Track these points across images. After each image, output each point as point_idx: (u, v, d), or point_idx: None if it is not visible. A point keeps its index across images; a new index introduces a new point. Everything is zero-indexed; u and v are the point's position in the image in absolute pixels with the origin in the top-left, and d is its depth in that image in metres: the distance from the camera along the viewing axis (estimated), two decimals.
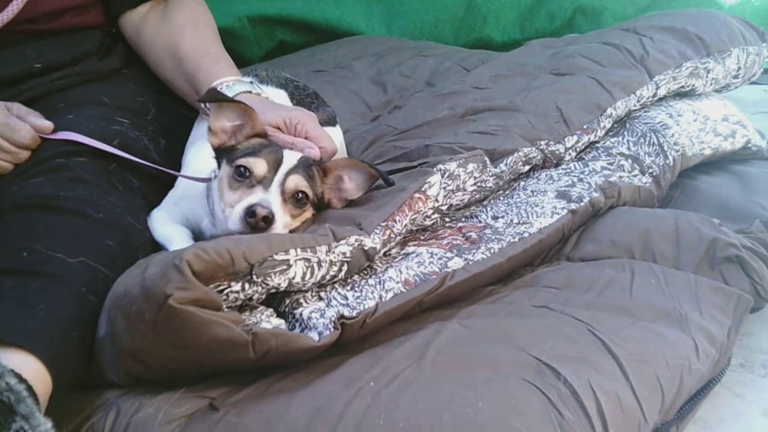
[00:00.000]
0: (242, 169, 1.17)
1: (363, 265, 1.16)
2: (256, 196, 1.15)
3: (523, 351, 1.02)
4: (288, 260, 1.05)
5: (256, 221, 1.11)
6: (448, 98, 1.74)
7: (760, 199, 1.48)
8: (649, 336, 1.08)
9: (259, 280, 1.02)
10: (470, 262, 1.18)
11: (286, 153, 1.21)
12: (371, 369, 0.99)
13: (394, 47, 2.48)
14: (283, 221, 1.16)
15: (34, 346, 0.95)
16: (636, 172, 1.49)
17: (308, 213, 1.24)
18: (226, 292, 1.01)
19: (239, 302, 1.06)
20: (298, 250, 1.06)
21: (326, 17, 2.89)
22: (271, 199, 1.15)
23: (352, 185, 1.28)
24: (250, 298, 1.06)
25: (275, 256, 1.03)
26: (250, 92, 1.38)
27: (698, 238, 1.28)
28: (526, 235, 1.26)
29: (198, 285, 0.94)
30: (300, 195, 1.19)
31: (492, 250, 1.22)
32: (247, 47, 2.82)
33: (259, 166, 1.17)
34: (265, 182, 1.17)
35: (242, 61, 2.73)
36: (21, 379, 0.89)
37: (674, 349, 1.07)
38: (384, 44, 2.56)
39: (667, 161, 1.52)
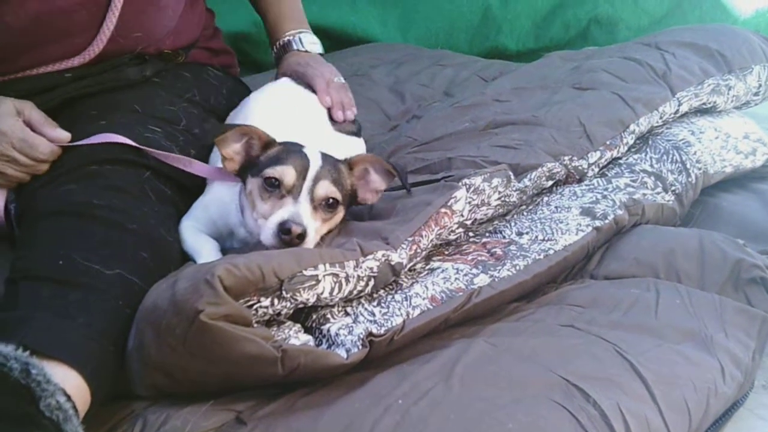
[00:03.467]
0: (273, 180, 1.17)
1: (389, 280, 1.16)
2: (287, 210, 1.15)
3: (551, 371, 1.02)
4: (317, 275, 1.05)
5: (291, 238, 1.11)
6: (469, 110, 1.73)
7: None
8: (676, 358, 1.08)
9: (289, 295, 1.02)
10: (496, 279, 1.19)
11: (310, 154, 1.22)
12: (399, 386, 0.99)
13: (411, 55, 2.48)
14: (314, 230, 1.16)
15: (76, 361, 0.96)
16: (659, 189, 1.48)
17: (340, 214, 1.24)
18: (255, 307, 1.02)
19: (267, 317, 1.06)
20: (327, 265, 1.06)
21: (342, 24, 2.89)
22: (301, 211, 1.15)
23: (377, 178, 1.29)
24: (279, 314, 1.06)
25: (305, 272, 1.03)
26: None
27: (723, 258, 1.28)
28: (551, 252, 1.26)
29: (229, 300, 0.94)
30: (330, 200, 1.20)
31: (518, 267, 1.22)
32: (262, 52, 2.81)
33: (288, 174, 1.18)
34: (294, 192, 1.17)
35: (258, 66, 2.74)
36: (69, 398, 0.89)
37: (701, 371, 1.07)
38: (401, 52, 2.56)
39: (690, 179, 1.52)
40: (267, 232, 1.13)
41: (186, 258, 1.26)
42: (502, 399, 0.97)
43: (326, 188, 1.19)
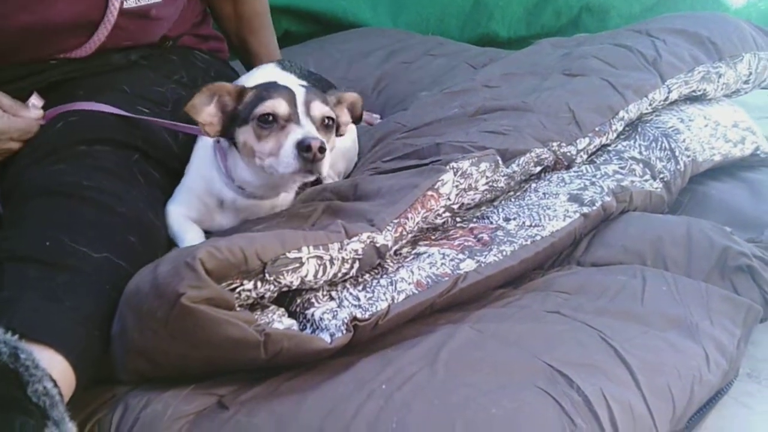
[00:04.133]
0: (266, 116, 1.16)
1: (374, 262, 1.15)
2: (296, 131, 1.14)
3: (536, 357, 1.01)
4: (300, 258, 1.04)
5: (314, 154, 1.11)
6: (458, 96, 1.72)
7: None
8: (661, 345, 1.08)
9: (272, 278, 1.01)
10: (482, 264, 1.18)
11: (290, 85, 1.21)
12: (383, 371, 0.99)
13: (402, 42, 2.45)
14: (328, 147, 1.16)
15: (62, 345, 0.95)
16: (647, 177, 1.48)
17: (334, 138, 1.25)
18: (238, 290, 1.01)
19: (251, 301, 1.05)
20: (311, 247, 1.05)
21: (332, 8, 2.85)
22: (310, 129, 1.16)
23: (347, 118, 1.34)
24: (262, 297, 1.05)
25: (288, 254, 1.02)
26: None
27: (710, 246, 1.27)
28: (538, 238, 1.25)
29: (211, 284, 0.93)
30: (327, 120, 1.21)
31: (504, 253, 1.21)
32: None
33: (279, 105, 1.17)
34: (293, 118, 1.17)
35: None
36: (55, 383, 0.88)
37: (686, 359, 1.06)
38: (392, 38, 2.53)
39: (678, 167, 1.51)
40: (286, 158, 1.13)
41: (173, 243, 1.26)
42: (486, 385, 0.96)
43: (321, 108, 1.20)
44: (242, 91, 1.23)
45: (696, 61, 1.71)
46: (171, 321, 0.93)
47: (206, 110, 1.22)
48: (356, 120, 1.40)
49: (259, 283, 1.01)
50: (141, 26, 1.44)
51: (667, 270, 1.26)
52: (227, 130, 1.24)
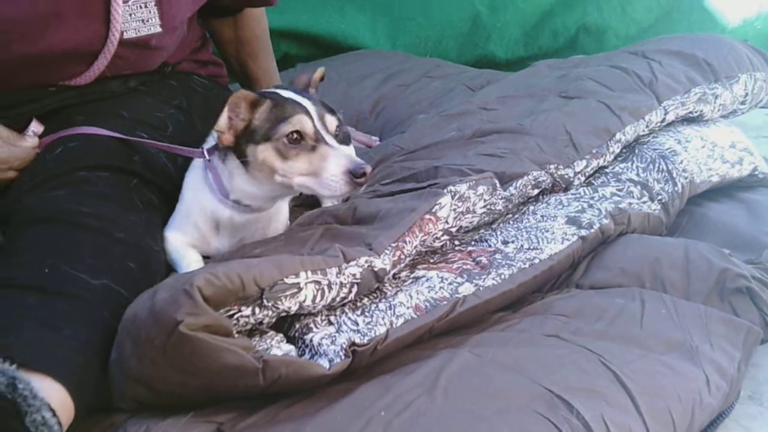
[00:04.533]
0: (294, 135, 1.17)
1: (372, 286, 1.15)
2: (335, 156, 1.16)
3: (535, 382, 1.01)
4: (298, 283, 1.04)
5: (366, 178, 1.14)
6: (456, 119, 1.73)
7: None
8: (661, 369, 1.07)
9: (270, 303, 1.01)
10: (481, 288, 1.18)
11: (296, 98, 1.22)
12: (382, 397, 0.98)
13: (400, 65, 2.47)
14: None
15: (61, 375, 0.94)
16: (645, 198, 1.48)
17: None
18: (236, 316, 1.01)
19: (249, 326, 1.05)
20: (309, 272, 1.05)
21: (331, 31, 2.89)
22: (346, 150, 1.18)
23: None
24: (261, 322, 1.05)
25: (286, 280, 1.03)
26: None
27: (708, 268, 1.27)
28: (536, 261, 1.25)
29: (209, 311, 0.93)
30: (339, 129, 1.23)
31: (502, 276, 1.21)
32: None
33: (305, 123, 1.18)
34: (319, 137, 1.18)
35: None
36: (54, 413, 0.88)
37: (686, 382, 1.06)
38: (390, 60, 2.55)
39: (676, 188, 1.52)
40: (334, 183, 1.14)
41: (171, 268, 1.26)
42: (485, 410, 0.96)
43: (332, 120, 1.22)
44: (256, 101, 1.21)
45: (692, 83, 1.72)
46: (169, 349, 0.93)
47: (220, 122, 1.21)
48: None
49: (257, 309, 1.02)
50: (141, 56, 1.46)
51: (666, 292, 1.26)
52: (238, 144, 1.22)
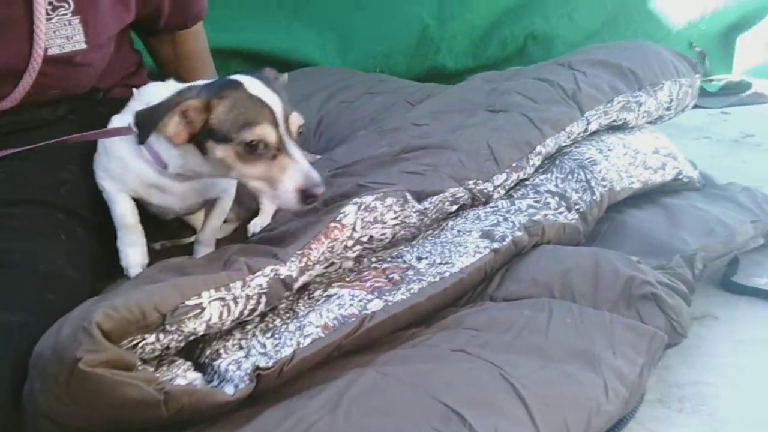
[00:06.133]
0: (254, 143, 1.17)
1: (282, 294, 1.18)
2: (293, 170, 1.17)
3: (434, 398, 1.03)
4: (201, 303, 1.07)
5: (316, 199, 1.16)
6: (388, 135, 1.77)
7: (684, 233, 1.52)
8: (560, 378, 1.10)
9: (173, 328, 1.04)
10: (389, 303, 1.21)
11: (262, 94, 1.20)
12: (285, 421, 1.00)
13: (344, 81, 2.50)
14: None
15: None
16: (562, 209, 1.52)
17: None
18: (141, 345, 1.03)
19: (157, 352, 1.07)
20: (212, 290, 1.08)
21: (281, 48, 2.92)
22: (306, 168, 1.18)
23: None
24: (168, 347, 1.08)
25: (187, 302, 1.05)
26: None
27: (615, 276, 1.31)
28: (447, 274, 1.29)
29: (108, 346, 0.96)
30: (300, 128, 1.23)
31: (412, 291, 1.24)
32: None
33: (267, 132, 1.17)
34: (282, 146, 1.18)
35: None
36: None
37: (583, 390, 1.09)
38: (335, 77, 2.59)
39: (594, 197, 1.56)
40: (286, 198, 1.16)
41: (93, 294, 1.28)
42: (384, 428, 0.99)
43: (297, 119, 1.22)
44: (208, 104, 1.19)
45: (615, 92, 1.76)
46: (71, 386, 0.95)
47: (172, 124, 1.19)
48: None
49: (161, 335, 1.04)
50: (67, 73, 1.47)
51: (575, 302, 1.30)
52: (195, 139, 1.22)
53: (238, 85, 1.22)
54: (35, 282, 1.19)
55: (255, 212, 1.65)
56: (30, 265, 1.19)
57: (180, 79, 1.81)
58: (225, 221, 1.62)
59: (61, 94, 1.51)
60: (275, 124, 1.18)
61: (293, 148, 1.19)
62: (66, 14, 1.39)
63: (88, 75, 1.54)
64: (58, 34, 1.40)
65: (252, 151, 1.18)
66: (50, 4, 1.37)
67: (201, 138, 1.22)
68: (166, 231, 1.64)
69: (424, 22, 3.03)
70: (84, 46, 1.44)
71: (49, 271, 1.21)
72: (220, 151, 1.21)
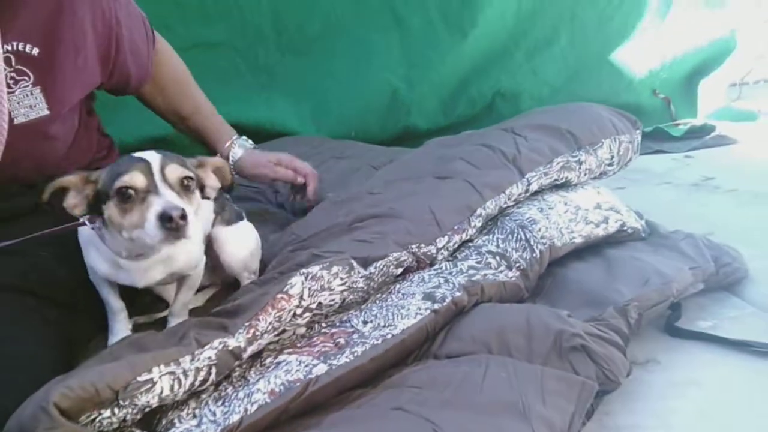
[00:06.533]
0: (123, 189, 1.26)
1: (232, 364, 1.28)
2: (156, 203, 1.23)
3: None
4: (152, 378, 1.17)
5: (176, 223, 1.21)
6: (345, 204, 1.89)
7: (620, 284, 1.61)
8: (490, 430, 1.19)
9: (127, 402, 1.14)
10: (333, 367, 1.30)
11: (145, 155, 1.30)
12: None
13: (316, 149, 2.65)
14: (191, 211, 1.25)
15: None
16: (502, 267, 1.63)
17: (198, 195, 1.36)
18: (98, 419, 1.13)
19: (115, 425, 1.17)
20: (162, 366, 1.18)
21: (259, 120, 3.06)
22: (170, 197, 1.24)
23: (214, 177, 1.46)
24: (125, 419, 1.17)
25: (138, 378, 1.15)
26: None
27: (546, 330, 1.40)
28: (389, 336, 1.38)
29: (65, 423, 1.05)
30: (186, 181, 1.31)
31: (356, 354, 1.33)
32: (183, 152, 2.98)
33: (136, 178, 1.25)
34: (152, 189, 1.26)
35: None
36: None
37: None
38: (308, 144, 2.73)
39: (534, 255, 1.66)
40: (150, 230, 1.22)
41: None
42: None
43: (176, 170, 1.29)
44: (89, 178, 1.32)
45: (555, 153, 1.88)
46: None
47: (70, 197, 1.32)
48: (227, 186, 1.53)
49: (116, 410, 1.14)
50: (35, 145, 1.56)
51: (511, 356, 1.39)
52: (94, 208, 1.32)
53: (129, 156, 1.33)
54: (8, 365, 1.29)
55: (233, 278, 1.79)
56: (2, 349, 1.29)
57: (183, 122, 2.00)
58: (202, 288, 1.75)
59: (32, 170, 1.59)
60: (147, 173, 1.26)
61: (165, 189, 1.25)
62: (27, 86, 1.51)
63: (55, 149, 1.63)
64: (22, 104, 1.50)
65: (125, 199, 1.25)
66: (12, 78, 1.48)
67: (96, 205, 1.32)
68: (141, 305, 1.75)
69: (392, 86, 3.19)
70: (47, 112, 1.54)
71: (21, 354, 1.31)
72: (107, 210, 1.30)
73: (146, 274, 1.47)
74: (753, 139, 3.29)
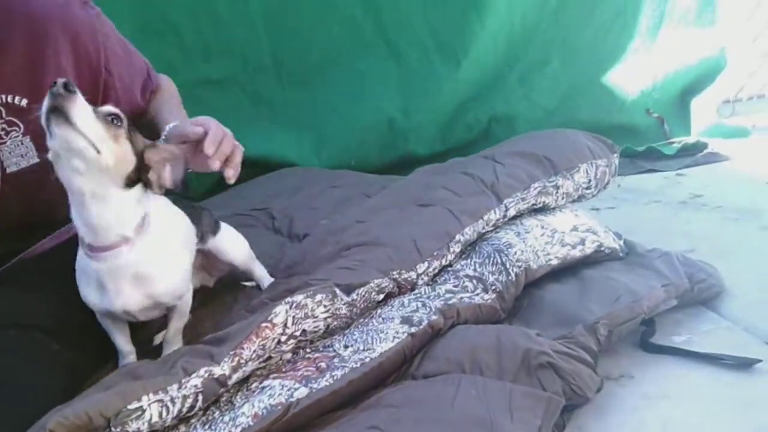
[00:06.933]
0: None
1: (217, 391, 1.37)
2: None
3: None
4: (141, 406, 1.26)
5: (58, 89, 1.23)
6: (336, 233, 2.00)
7: (591, 303, 1.69)
8: None
9: (118, 429, 1.24)
10: (314, 390, 1.39)
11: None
12: None
13: (313, 179, 2.77)
14: (91, 119, 1.29)
15: None
16: (479, 290, 1.71)
17: (125, 140, 1.37)
18: None
19: None
20: (150, 394, 1.28)
21: (261, 151, 3.17)
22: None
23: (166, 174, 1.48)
24: None
25: (129, 406, 1.25)
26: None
27: (514, 349, 1.48)
28: (367, 359, 1.46)
29: None
30: (112, 118, 1.33)
31: (335, 377, 1.42)
32: (188, 184, 3.11)
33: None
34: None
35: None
36: None
37: None
38: (307, 174, 2.86)
39: (510, 277, 1.75)
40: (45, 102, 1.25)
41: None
42: None
43: (109, 107, 1.34)
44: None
45: (532, 179, 1.98)
46: None
47: None
48: (180, 181, 1.52)
49: None
50: (27, 191, 1.63)
51: (483, 375, 1.47)
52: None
53: None
54: (13, 397, 1.38)
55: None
56: (8, 381, 1.39)
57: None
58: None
59: (26, 215, 1.66)
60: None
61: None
62: (18, 136, 1.59)
63: (48, 194, 1.66)
64: (14, 153, 1.59)
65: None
66: (3, 129, 1.57)
67: None
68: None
69: (390, 115, 3.30)
70: (37, 160, 1.61)
71: (26, 385, 1.40)
72: None
73: (121, 294, 1.50)
74: (744, 156, 3.35)
